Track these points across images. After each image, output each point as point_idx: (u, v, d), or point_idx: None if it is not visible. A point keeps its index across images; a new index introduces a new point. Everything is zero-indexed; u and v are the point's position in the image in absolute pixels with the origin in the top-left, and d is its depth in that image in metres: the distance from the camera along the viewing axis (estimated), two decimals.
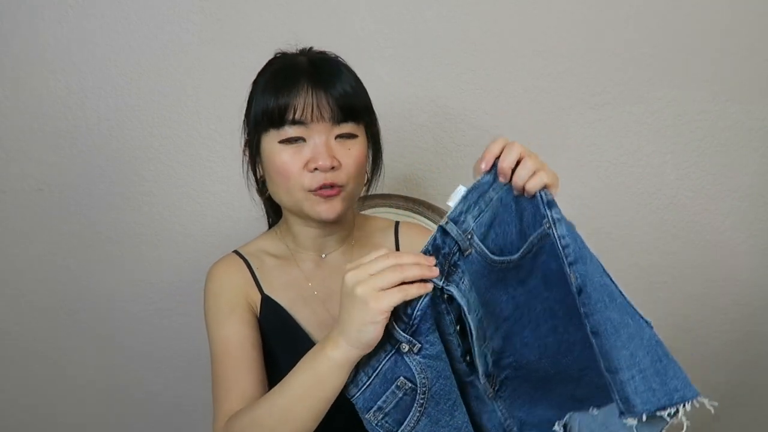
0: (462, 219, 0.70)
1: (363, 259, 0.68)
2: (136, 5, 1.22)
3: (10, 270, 1.31)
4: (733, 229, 1.40)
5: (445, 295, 0.70)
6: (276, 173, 0.86)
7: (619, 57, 1.30)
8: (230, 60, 1.25)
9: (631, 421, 0.63)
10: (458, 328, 0.72)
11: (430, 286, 0.68)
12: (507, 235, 0.72)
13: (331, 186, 0.84)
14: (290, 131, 0.83)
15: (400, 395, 0.71)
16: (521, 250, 0.71)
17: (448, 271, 0.70)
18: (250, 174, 0.94)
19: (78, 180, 1.28)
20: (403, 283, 0.66)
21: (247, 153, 0.93)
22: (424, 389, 0.70)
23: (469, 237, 0.71)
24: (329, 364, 0.70)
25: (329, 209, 0.85)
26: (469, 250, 0.71)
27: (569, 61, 1.30)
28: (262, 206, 1.00)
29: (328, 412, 0.73)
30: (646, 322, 0.68)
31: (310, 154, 0.84)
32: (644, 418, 0.62)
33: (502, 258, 0.72)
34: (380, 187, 0.99)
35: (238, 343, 0.87)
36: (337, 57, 0.89)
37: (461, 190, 0.70)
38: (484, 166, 0.69)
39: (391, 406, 0.72)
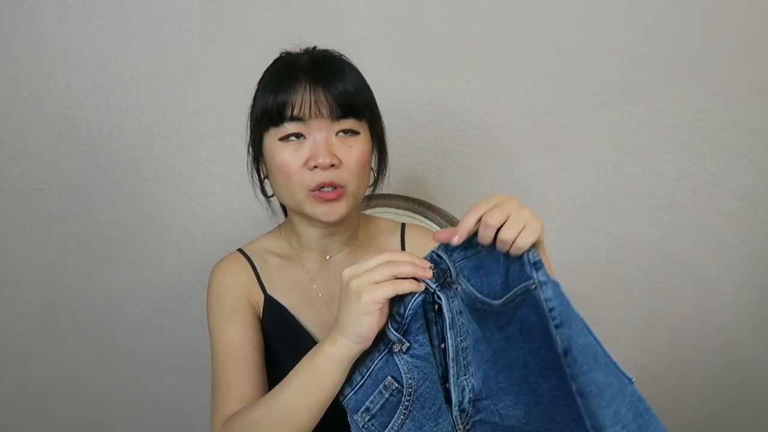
0: (451, 255, 0.72)
1: (362, 261, 0.70)
2: (136, 5, 1.22)
3: (10, 270, 1.31)
4: (733, 229, 1.40)
5: (436, 305, 0.70)
6: (277, 171, 0.85)
7: (619, 57, 1.30)
8: (230, 60, 1.25)
9: None
10: (442, 345, 0.72)
11: (422, 286, 0.69)
12: (492, 284, 0.73)
13: (332, 186, 0.83)
14: (289, 128, 0.83)
15: (387, 395, 0.72)
16: (503, 299, 0.72)
17: (442, 284, 0.71)
18: (255, 174, 0.93)
19: (78, 180, 1.28)
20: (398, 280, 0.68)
21: (250, 153, 0.92)
22: (410, 390, 0.71)
23: (457, 271, 0.72)
24: (326, 360, 0.70)
25: (330, 212, 0.84)
26: (456, 285, 0.73)
27: (569, 61, 1.30)
28: (267, 206, 1.00)
29: (325, 415, 0.73)
30: (628, 378, 0.72)
31: (310, 151, 0.83)
32: None
33: (484, 298, 0.73)
34: (380, 187, 0.99)
35: (240, 344, 0.86)
36: (341, 55, 0.89)
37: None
38: (457, 239, 0.68)
39: (378, 407, 0.72)
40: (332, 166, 0.82)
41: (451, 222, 1.21)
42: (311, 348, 0.83)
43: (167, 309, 1.36)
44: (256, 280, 0.93)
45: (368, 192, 0.93)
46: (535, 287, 0.68)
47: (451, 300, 0.71)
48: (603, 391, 0.68)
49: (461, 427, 0.75)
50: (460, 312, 0.72)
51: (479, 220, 0.68)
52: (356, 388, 0.73)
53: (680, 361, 1.48)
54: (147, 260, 1.33)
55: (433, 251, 0.72)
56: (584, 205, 1.37)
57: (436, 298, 0.70)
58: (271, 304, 0.91)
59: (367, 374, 0.73)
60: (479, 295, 0.73)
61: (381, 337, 0.71)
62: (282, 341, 0.90)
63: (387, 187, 0.97)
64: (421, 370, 0.71)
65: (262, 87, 0.87)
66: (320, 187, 0.83)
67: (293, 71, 0.84)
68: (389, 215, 1.17)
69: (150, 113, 1.26)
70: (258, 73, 0.89)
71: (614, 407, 0.68)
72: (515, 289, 0.70)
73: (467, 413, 0.74)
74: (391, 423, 0.72)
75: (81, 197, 1.29)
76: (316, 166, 0.82)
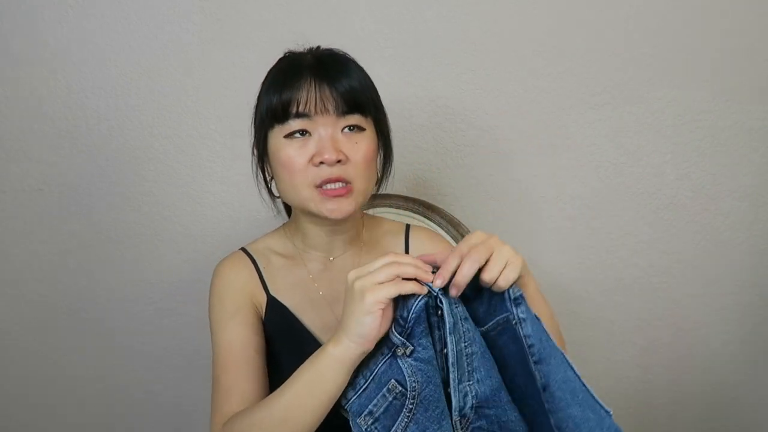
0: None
1: (367, 264, 0.71)
2: (136, 5, 1.22)
3: (10, 270, 1.31)
4: (733, 229, 1.40)
5: (439, 310, 0.71)
6: (282, 169, 0.84)
7: (619, 57, 1.30)
8: (230, 60, 1.25)
9: None
10: (444, 350, 0.72)
11: (425, 288, 0.69)
12: (474, 311, 0.75)
13: (338, 180, 0.82)
14: (294, 124, 0.82)
15: (390, 399, 0.72)
16: (485, 327, 0.74)
17: (445, 289, 0.71)
18: (260, 174, 0.93)
19: (78, 180, 1.28)
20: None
21: (255, 153, 0.91)
22: (413, 393, 0.71)
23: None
24: (329, 361, 0.71)
25: (338, 209, 0.83)
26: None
27: (569, 61, 1.30)
28: (273, 207, 0.99)
29: (328, 417, 0.73)
30: (606, 411, 0.73)
31: (315, 147, 0.82)
32: None
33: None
34: (384, 186, 0.98)
35: (241, 346, 0.86)
36: (345, 54, 0.88)
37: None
38: (440, 282, 0.69)
39: (381, 410, 0.72)
40: (338, 162, 0.82)
41: (451, 222, 1.21)
42: (313, 349, 0.83)
43: (167, 309, 1.36)
44: (258, 279, 0.92)
45: (373, 191, 0.93)
46: (515, 322, 0.71)
47: (455, 305, 0.71)
48: (580, 426, 0.71)
49: (460, 431, 0.75)
50: (466, 318, 0.72)
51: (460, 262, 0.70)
52: (359, 392, 0.73)
53: (680, 361, 1.48)
54: (147, 260, 1.33)
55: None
56: (584, 205, 1.37)
57: (438, 302, 0.70)
58: (273, 304, 0.91)
59: (371, 378, 0.73)
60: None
61: (384, 341, 0.72)
62: (284, 342, 0.90)
63: (387, 187, 0.97)
64: (425, 373, 0.71)
65: (266, 86, 0.87)
66: (326, 182, 0.82)
67: (298, 69, 0.84)
68: (389, 215, 1.17)
69: (150, 113, 1.26)
70: (258, 72, 0.89)
71: None
72: (497, 318, 0.73)
73: (468, 418, 0.74)
74: (395, 426, 0.72)
75: (81, 197, 1.29)
76: (322, 162, 0.81)
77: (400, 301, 0.71)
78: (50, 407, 1.40)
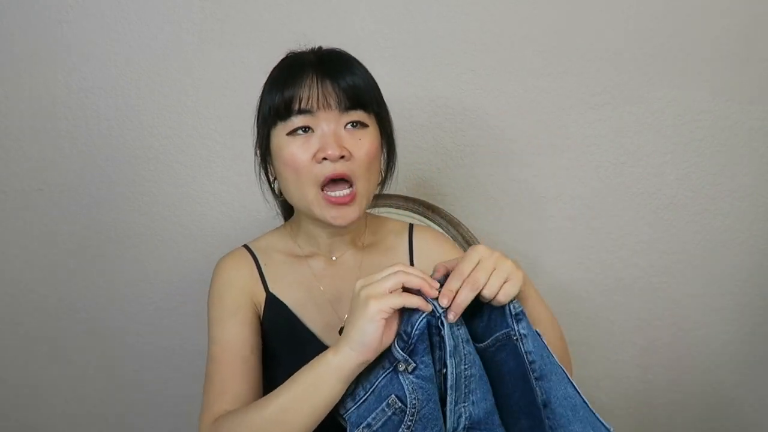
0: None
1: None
2: (136, 5, 1.22)
3: (10, 270, 1.31)
4: (733, 229, 1.40)
5: (441, 331, 0.70)
6: (285, 167, 0.84)
7: (619, 57, 1.30)
8: (230, 60, 1.25)
9: None
10: (443, 371, 0.71)
11: (430, 306, 0.69)
12: (474, 327, 0.75)
13: (342, 177, 0.82)
14: (297, 121, 0.82)
15: (390, 413, 0.71)
16: (485, 343, 0.74)
17: (447, 311, 0.70)
18: (263, 175, 0.92)
19: (78, 180, 1.28)
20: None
21: (258, 153, 0.91)
22: (413, 410, 0.70)
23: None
24: (328, 368, 0.70)
25: (341, 216, 0.83)
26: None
27: (569, 61, 1.29)
28: (276, 207, 0.99)
29: (326, 425, 0.73)
30: (606, 428, 0.74)
31: (319, 143, 0.82)
32: None
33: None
34: (388, 185, 0.98)
35: (237, 345, 0.86)
36: (347, 52, 0.88)
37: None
38: (446, 302, 0.69)
39: (380, 424, 0.72)
40: (342, 158, 0.81)
41: (451, 222, 1.21)
42: (315, 348, 0.82)
43: (167, 309, 1.36)
44: (259, 277, 0.92)
45: (377, 191, 0.92)
46: (516, 339, 0.71)
47: (457, 327, 0.71)
48: None
49: None
50: (467, 340, 0.72)
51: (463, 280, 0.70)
52: (359, 403, 0.73)
53: (680, 361, 1.48)
54: (147, 260, 1.33)
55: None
56: (584, 205, 1.37)
57: (440, 324, 0.70)
58: (272, 302, 0.90)
59: (371, 390, 0.72)
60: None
61: (386, 354, 0.71)
62: (283, 341, 0.89)
63: (387, 187, 0.97)
64: (426, 391, 0.70)
65: (268, 85, 0.87)
66: (330, 179, 0.82)
67: (300, 67, 0.83)
68: (390, 215, 1.17)
69: (150, 113, 1.26)
70: (258, 72, 0.89)
71: None
72: (496, 334, 0.73)
73: None
74: None
75: (81, 197, 1.29)
76: (325, 158, 0.81)
77: (404, 316, 0.71)
78: (50, 407, 1.40)
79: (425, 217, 1.22)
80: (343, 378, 0.70)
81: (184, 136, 1.28)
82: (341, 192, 0.83)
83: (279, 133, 0.84)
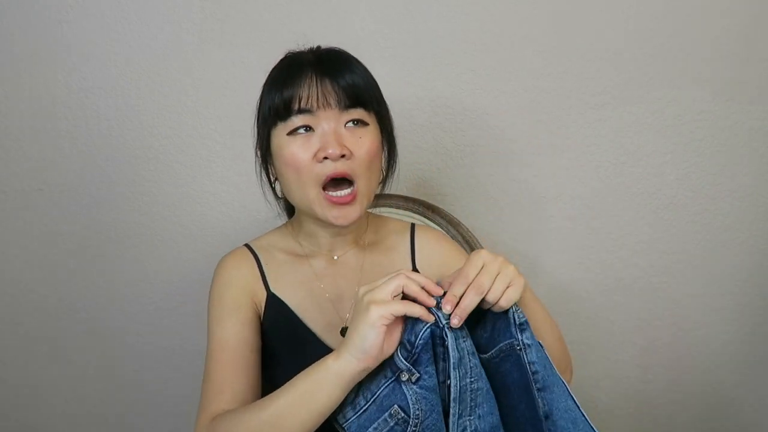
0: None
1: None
2: (136, 5, 1.22)
3: (10, 270, 1.31)
4: (733, 229, 1.40)
5: (446, 342, 0.70)
6: (286, 167, 0.84)
7: (619, 57, 1.30)
8: (230, 60, 1.25)
9: None
10: (448, 382, 0.71)
11: (432, 317, 0.69)
12: (478, 338, 0.75)
13: (343, 176, 0.82)
14: (297, 120, 0.82)
15: (392, 424, 0.71)
16: (488, 354, 0.74)
17: (450, 324, 0.70)
18: (264, 175, 0.92)
19: (78, 180, 1.28)
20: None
21: (258, 154, 0.91)
22: (416, 421, 0.70)
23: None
24: (327, 372, 0.70)
25: (343, 216, 0.83)
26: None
27: (569, 61, 1.29)
28: (278, 207, 0.99)
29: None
30: None
31: (319, 142, 0.82)
32: None
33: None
34: (389, 185, 0.98)
35: (237, 343, 0.86)
36: (347, 51, 0.88)
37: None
38: (449, 308, 0.69)
39: None
40: (342, 156, 0.81)
41: (451, 222, 1.21)
42: (316, 347, 0.82)
43: (167, 309, 1.36)
44: (260, 276, 0.92)
45: (378, 190, 0.93)
46: (520, 348, 0.71)
47: (463, 339, 0.71)
48: None
49: None
50: (473, 353, 0.72)
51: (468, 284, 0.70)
52: (359, 413, 0.72)
53: (680, 361, 1.48)
54: (147, 260, 1.33)
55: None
56: (584, 205, 1.37)
57: (444, 335, 0.69)
58: (273, 301, 0.90)
59: (372, 400, 0.72)
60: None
61: (388, 363, 0.71)
62: (284, 340, 0.89)
63: (389, 186, 0.97)
64: (429, 402, 0.70)
65: (268, 86, 0.87)
66: (331, 178, 0.82)
67: (299, 66, 0.83)
68: (390, 216, 1.17)
69: (150, 113, 1.26)
70: (258, 72, 0.89)
71: None
72: (500, 345, 0.73)
73: None
74: None
75: (81, 197, 1.29)
76: (326, 158, 0.81)
77: (408, 325, 0.70)
78: (50, 407, 1.40)
79: (425, 217, 1.22)
80: (343, 385, 0.70)
81: (184, 136, 1.28)
82: (342, 192, 0.83)
83: (279, 133, 0.84)
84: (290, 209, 0.99)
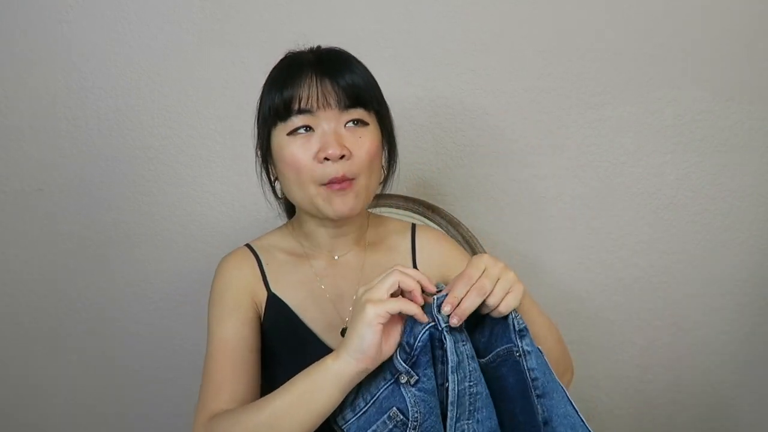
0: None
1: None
2: (136, 5, 1.22)
3: (9, 270, 1.31)
4: (733, 229, 1.40)
5: (444, 345, 0.70)
6: (286, 167, 0.84)
7: (619, 57, 1.30)
8: (230, 60, 1.25)
9: None
10: (446, 385, 0.71)
11: (426, 318, 0.69)
12: (475, 342, 0.75)
13: (343, 179, 0.82)
14: (297, 121, 0.82)
15: (391, 426, 0.71)
16: (486, 359, 0.74)
17: (450, 326, 0.70)
18: (264, 175, 0.92)
19: (78, 180, 1.28)
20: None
21: (259, 154, 0.91)
22: (415, 423, 0.70)
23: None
24: (325, 373, 0.70)
25: (344, 204, 0.83)
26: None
27: (569, 61, 1.29)
28: (278, 207, 0.99)
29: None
30: None
31: (319, 143, 0.82)
32: None
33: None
34: (390, 184, 0.98)
35: (236, 343, 0.86)
36: (347, 51, 0.88)
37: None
38: (449, 308, 0.69)
39: None
40: (342, 157, 0.81)
41: (451, 222, 1.21)
42: (316, 347, 0.82)
43: (167, 309, 1.36)
44: (261, 276, 0.92)
45: (378, 190, 0.93)
46: (519, 355, 0.71)
47: (462, 343, 0.71)
48: None
49: None
50: (473, 357, 0.72)
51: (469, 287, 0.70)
52: (359, 414, 0.72)
53: (680, 361, 1.48)
54: (147, 260, 1.33)
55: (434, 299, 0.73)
56: (584, 205, 1.37)
57: (443, 337, 0.69)
58: (273, 301, 0.90)
59: (371, 401, 0.72)
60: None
61: (388, 365, 0.71)
62: (284, 340, 0.89)
63: (389, 185, 0.97)
64: (428, 404, 0.70)
65: (267, 86, 0.87)
66: (332, 182, 0.82)
67: (299, 67, 0.84)
68: (390, 216, 1.17)
69: (150, 113, 1.26)
70: (258, 72, 0.89)
71: None
72: (497, 350, 0.73)
73: None
74: None
75: (81, 197, 1.29)
76: (326, 158, 0.81)
77: (407, 327, 0.70)
78: (50, 407, 1.40)
79: (425, 217, 1.22)
80: (342, 386, 0.70)
81: (184, 136, 1.28)
82: (341, 183, 0.83)
83: (279, 134, 0.84)
84: (290, 209, 0.99)
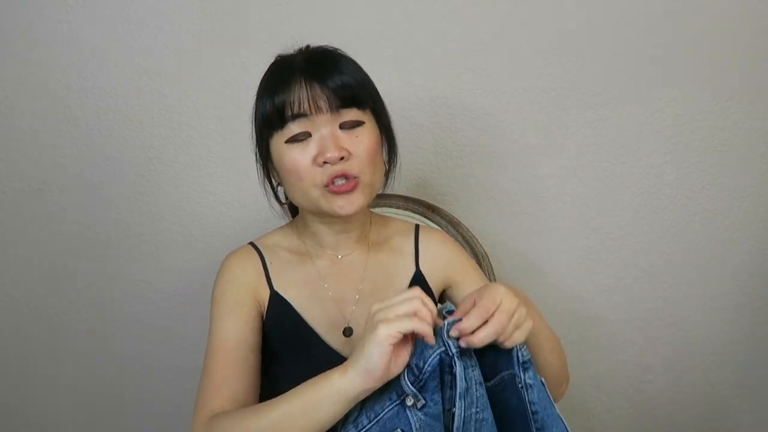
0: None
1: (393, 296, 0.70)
2: (136, 5, 1.22)
3: (9, 270, 1.31)
4: (733, 229, 1.40)
5: (454, 370, 0.69)
6: (288, 174, 0.84)
7: (619, 57, 1.30)
8: (230, 60, 1.25)
9: None
10: (453, 409, 0.70)
11: (434, 341, 0.68)
12: (483, 365, 0.74)
13: (344, 177, 0.82)
14: (293, 128, 0.82)
15: None
16: (491, 382, 0.74)
17: (463, 351, 0.69)
18: (266, 182, 0.92)
19: (78, 180, 1.28)
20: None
21: (259, 161, 0.91)
22: None
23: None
24: (330, 388, 0.69)
25: (348, 203, 0.83)
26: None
27: (569, 61, 1.29)
28: (282, 211, 0.98)
29: None
30: None
31: (317, 147, 0.82)
32: None
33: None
34: (392, 180, 0.97)
35: (237, 342, 0.86)
36: (336, 50, 0.88)
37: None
38: (456, 333, 0.69)
39: None
40: (342, 159, 0.81)
41: (451, 222, 1.21)
42: (319, 346, 0.82)
43: (167, 309, 1.36)
44: (264, 275, 0.91)
45: (381, 188, 0.92)
46: (521, 386, 0.71)
47: (471, 368, 0.70)
48: None
49: None
50: (480, 383, 0.71)
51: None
52: (361, 431, 0.72)
53: (680, 361, 1.48)
54: (147, 260, 1.33)
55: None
56: (584, 205, 1.37)
57: (453, 363, 0.69)
58: (276, 300, 0.90)
59: (375, 420, 0.71)
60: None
61: (395, 385, 0.70)
62: (286, 339, 0.89)
63: (390, 186, 0.97)
64: (433, 429, 0.69)
65: (260, 93, 0.87)
66: (333, 180, 0.82)
67: (288, 72, 0.83)
68: (389, 215, 1.17)
69: (150, 113, 1.26)
70: (258, 73, 0.89)
71: None
72: (503, 374, 0.73)
73: None
74: None
75: (81, 197, 1.29)
76: (326, 162, 0.81)
77: (418, 349, 0.70)
78: (50, 407, 1.40)
79: (425, 217, 1.22)
80: (345, 403, 0.70)
81: (184, 136, 1.28)
82: (343, 180, 0.83)
83: (277, 141, 0.85)
84: (294, 208, 0.99)
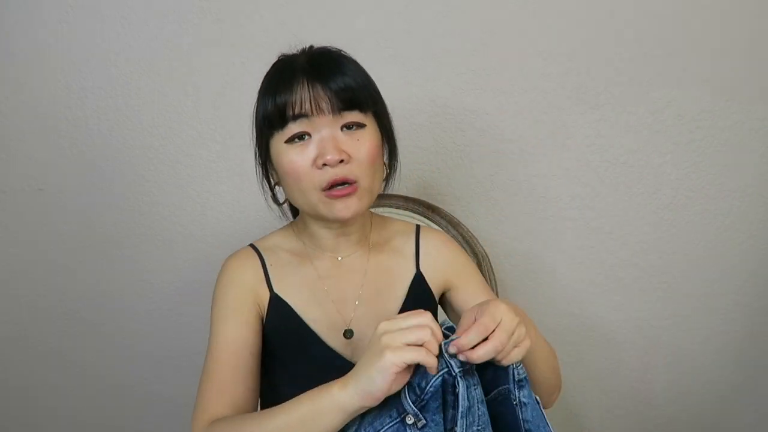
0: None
1: (402, 317, 0.69)
2: (136, 5, 1.22)
3: (9, 270, 1.31)
4: (733, 229, 1.40)
5: (456, 390, 0.69)
6: (286, 175, 0.84)
7: (619, 57, 1.30)
8: (230, 60, 1.25)
9: None
10: (455, 429, 0.70)
11: (436, 370, 0.68)
12: (481, 377, 0.74)
13: (344, 182, 0.82)
14: (293, 128, 0.82)
15: None
16: (490, 395, 0.74)
17: (465, 370, 0.69)
18: (264, 182, 0.92)
19: (78, 180, 1.28)
20: None
21: (258, 161, 0.91)
22: None
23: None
24: (330, 402, 0.69)
25: (346, 208, 0.83)
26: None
27: (569, 61, 1.29)
28: (279, 211, 0.99)
29: None
30: None
31: (317, 149, 0.81)
32: None
33: None
34: (392, 182, 0.97)
35: (237, 346, 0.85)
36: (340, 51, 0.87)
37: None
38: (454, 350, 0.68)
39: None
40: (341, 161, 0.81)
41: (451, 222, 1.21)
42: (318, 347, 0.82)
43: (167, 309, 1.36)
44: (264, 277, 0.91)
45: (381, 189, 0.92)
46: (516, 403, 0.72)
47: (474, 387, 0.70)
48: None
49: None
50: (482, 401, 0.71)
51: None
52: None
53: (680, 361, 1.48)
54: (147, 260, 1.33)
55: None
56: (584, 205, 1.37)
57: (456, 383, 0.68)
58: (276, 302, 0.90)
59: None
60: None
61: (395, 402, 0.70)
62: (286, 341, 0.89)
63: (391, 186, 0.97)
64: None
65: (262, 93, 0.86)
66: (332, 185, 0.81)
67: (291, 72, 0.83)
68: (389, 216, 1.17)
69: (150, 113, 1.26)
70: (258, 73, 0.89)
71: None
72: (500, 388, 0.74)
73: None
74: None
75: (81, 197, 1.29)
76: (325, 164, 0.81)
77: (421, 369, 0.69)
78: (50, 407, 1.40)
79: (425, 217, 1.22)
80: (344, 416, 0.70)
81: (184, 136, 1.28)
82: (343, 185, 0.82)
83: (277, 142, 0.84)
84: (295, 209, 0.99)
